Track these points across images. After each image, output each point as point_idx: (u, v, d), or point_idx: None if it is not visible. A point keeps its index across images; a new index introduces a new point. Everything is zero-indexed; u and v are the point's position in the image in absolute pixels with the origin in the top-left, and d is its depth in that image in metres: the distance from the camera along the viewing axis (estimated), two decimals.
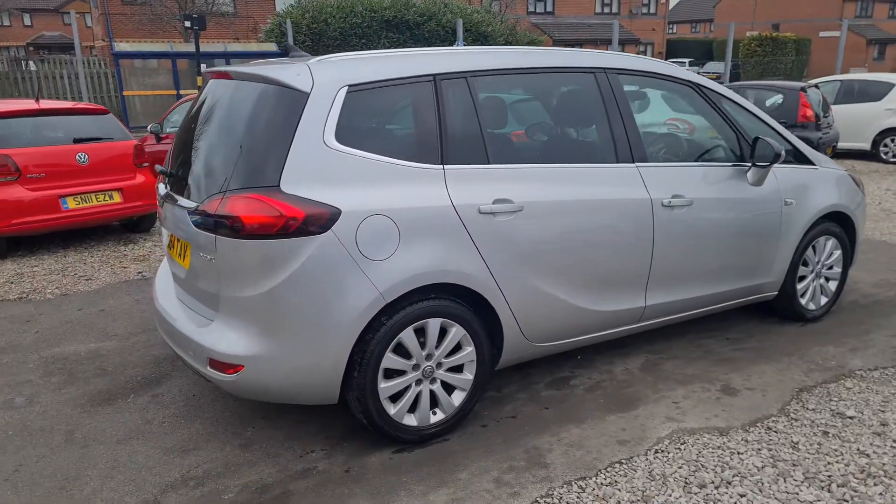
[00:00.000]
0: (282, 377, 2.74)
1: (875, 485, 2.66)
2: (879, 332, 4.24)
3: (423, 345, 2.92)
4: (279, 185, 2.63)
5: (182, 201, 2.99)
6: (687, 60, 42.14)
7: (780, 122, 8.08)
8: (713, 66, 41.02)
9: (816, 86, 11.70)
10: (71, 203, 6.40)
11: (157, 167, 3.55)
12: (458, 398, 3.08)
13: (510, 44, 21.47)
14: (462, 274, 2.94)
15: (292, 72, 2.77)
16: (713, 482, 2.70)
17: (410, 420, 2.98)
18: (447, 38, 20.05)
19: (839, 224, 4.41)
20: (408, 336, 2.87)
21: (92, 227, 6.95)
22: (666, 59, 40.34)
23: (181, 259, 3.11)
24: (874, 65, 48.41)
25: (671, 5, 51.00)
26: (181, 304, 3.19)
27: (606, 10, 49.18)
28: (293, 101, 2.70)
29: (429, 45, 19.12)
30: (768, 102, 10.63)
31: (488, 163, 3.06)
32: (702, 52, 49.70)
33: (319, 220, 2.63)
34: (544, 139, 3.40)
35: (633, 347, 4.02)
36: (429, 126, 2.95)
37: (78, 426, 3.26)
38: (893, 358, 3.86)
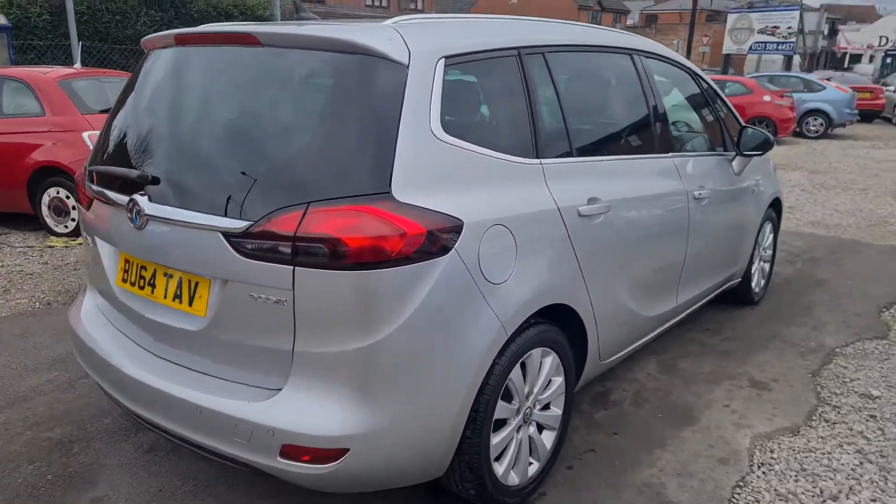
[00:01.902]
0: (394, 454, 1.99)
1: None
2: (817, 308, 4.56)
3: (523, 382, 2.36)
4: (391, 192, 1.88)
5: (185, 215, 2.03)
6: None
7: None
8: None
9: None
10: None
11: (95, 166, 2.45)
12: (548, 440, 2.57)
13: None
14: (566, 291, 2.44)
15: (379, 35, 2.00)
16: (840, 491, 2.55)
17: (513, 479, 2.39)
18: (217, 19, 18.33)
19: (773, 208, 4.65)
20: (516, 375, 2.29)
21: None
22: None
23: (176, 302, 2.15)
24: None
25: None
26: (166, 363, 2.21)
27: (377, 2, 49.48)
28: (390, 76, 1.95)
29: (197, 25, 17.29)
30: None
31: (573, 156, 2.57)
32: None
33: (443, 237, 1.94)
34: (612, 128, 3.01)
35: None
36: (520, 110, 2.37)
37: None
38: (851, 332, 4.14)
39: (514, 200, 2.22)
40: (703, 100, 3.73)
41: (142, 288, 2.28)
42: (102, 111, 6.49)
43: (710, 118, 3.78)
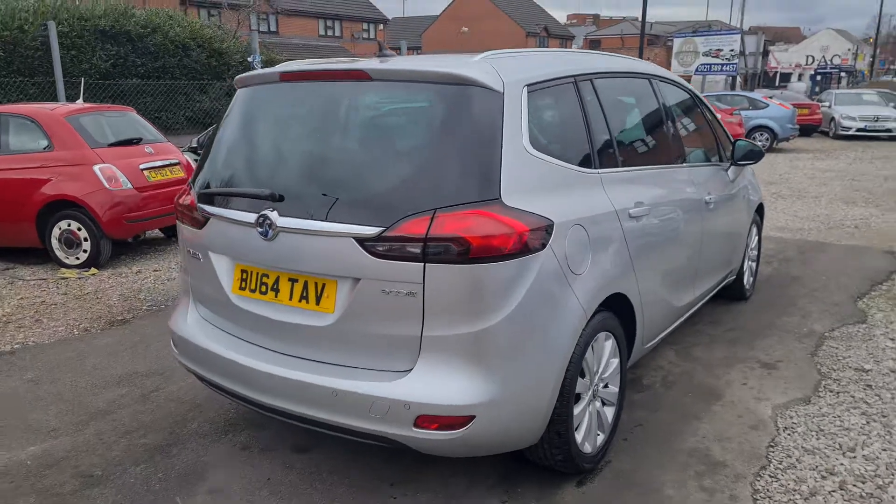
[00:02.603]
0: (508, 421, 2.35)
1: None
2: (800, 300, 5.09)
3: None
4: (500, 198, 2.26)
5: (317, 225, 2.36)
6: None
7: None
8: None
9: None
10: None
11: (206, 189, 2.75)
12: (609, 414, 2.95)
13: (245, 62, 20.61)
14: (623, 282, 2.84)
15: (478, 68, 2.39)
16: (855, 444, 3.00)
17: (587, 447, 2.76)
18: (175, 53, 18.49)
19: (758, 213, 5.18)
20: (589, 355, 2.68)
21: None
22: None
23: (303, 302, 2.47)
24: None
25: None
26: (292, 358, 2.52)
27: (330, 32, 50.01)
28: (491, 102, 2.34)
29: (155, 59, 17.47)
30: None
31: (619, 166, 3.00)
32: None
33: (541, 235, 2.33)
34: (643, 142, 3.44)
35: None
36: (579, 128, 2.80)
37: None
38: (834, 318, 4.67)
39: (584, 204, 2.62)
40: (701, 117, 4.23)
41: (264, 293, 2.59)
42: (111, 144, 6.70)
43: (707, 133, 4.29)
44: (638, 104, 3.51)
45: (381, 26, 55.47)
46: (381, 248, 2.26)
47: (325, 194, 2.43)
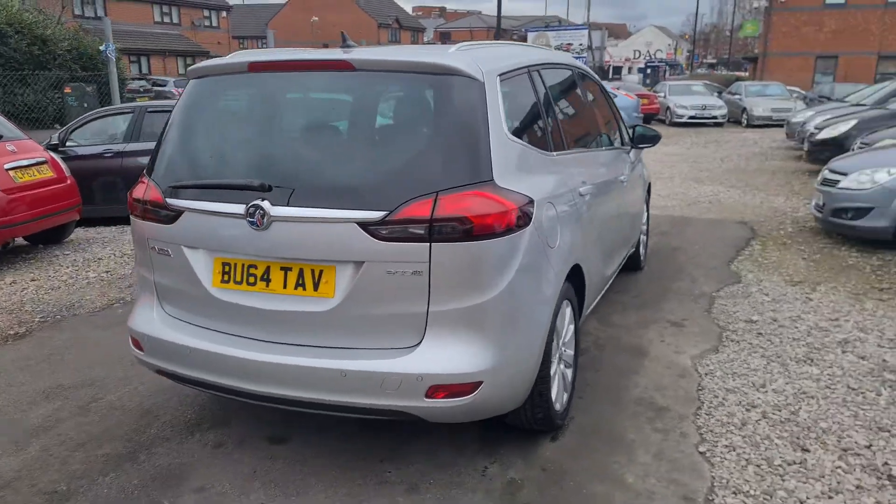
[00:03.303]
0: (508, 385, 2.55)
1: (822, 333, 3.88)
2: (685, 267, 5.75)
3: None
4: (493, 180, 2.44)
5: (316, 213, 2.40)
6: None
7: None
8: None
9: None
10: None
11: (178, 183, 2.67)
12: (569, 375, 3.24)
13: (75, 49, 19.02)
14: (580, 254, 3.14)
15: (460, 58, 2.54)
16: (764, 382, 3.53)
17: (557, 406, 3.03)
18: None
19: (647, 192, 5.77)
20: (559, 321, 2.94)
21: None
22: None
23: (300, 290, 2.51)
24: None
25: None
26: (288, 346, 2.55)
27: (167, 19, 46.92)
28: (475, 90, 2.51)
29: None
30: None
31: (566, 149, 3.28)
32: None
33: (527, 212, 2.54)
34: (579, 127, 3.72)
35: None
36: (537, 114, 3.04)
37: None
38: (717, 281, 5.34)
39: (549, 183, 2.87)
40: (607, 105, 4.66)
41: (252, 284, 2.58)
42: None
43: (612, 119, 4.73)
44: (570, 93, 3.82)
45: (223, 13, 52.99)
46: (385, 231, 2.36)
47: (322, 182, 2.48)
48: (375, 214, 2.36)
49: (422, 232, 2.34)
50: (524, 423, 2.90)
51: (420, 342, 2.43)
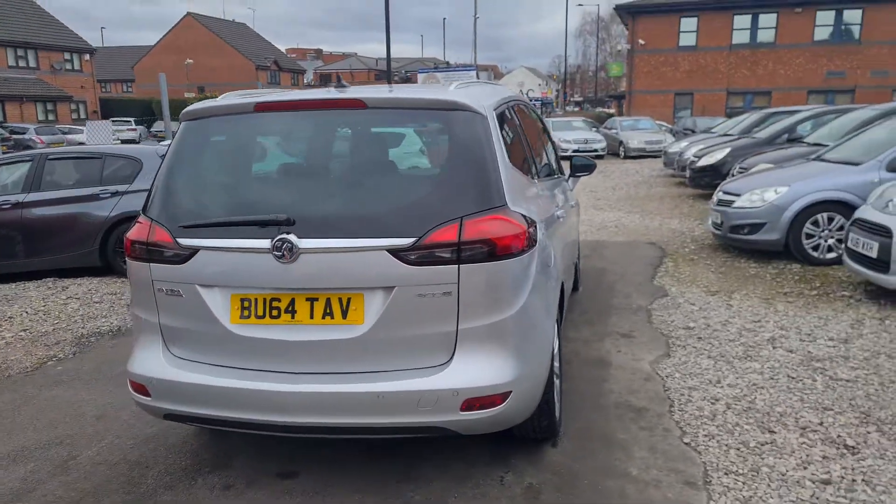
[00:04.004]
0: (529, 395, 2.73)
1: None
2: (616, 285, 6.22)
3: None
4: (507, 205, 2.66)
5: (346, 243, 2.51)
6: (132, 119, 41.12)
7: None
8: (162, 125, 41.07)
9: None
10: None
11: (191, 223, 2.67)
12: (557, 384, 3.46)
13: None
14: (563, 272, 3.41)
15: (463, 95, 2.76)
16: (718, 379, 3.95)
17: (556, 413, 3.24)
18: None
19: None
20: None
21: None
22: (104, 118, 38.62)
23: (327, 319, 2.59)
24: None
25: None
26: (316, 375, 2.61)
27: (22, 63, 43.85)
28: (481, 123, 2.73)
29: None
30: None
31: (542, 177, 3.58)
32: (141, 111, 49.27)
33: (532, 234, 2.78)
34: (544, 156, 3.99)
35: None
36: (521, 145, 3.31)
37: None
38: (647, 295, 5.82)
39: (540, 207, 3.14)
40: (548, 137, 5.05)
41: (275, 317, 2.62)
42: None
43: (552, 150, 5.12)
44: (531, 126, 4.14)
45: (86, 56, 50.25)
46: (414, 256, 2.51)
47: (343, 213, 2.59)
48: (405, 241, 2.50)
49: (450, 255, 2.50)
50: (530, 432, 3.09)
51: (451, 359, 2.58)
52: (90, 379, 4.37)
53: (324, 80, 68.70)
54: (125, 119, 40.44)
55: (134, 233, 2.84)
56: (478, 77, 25.90)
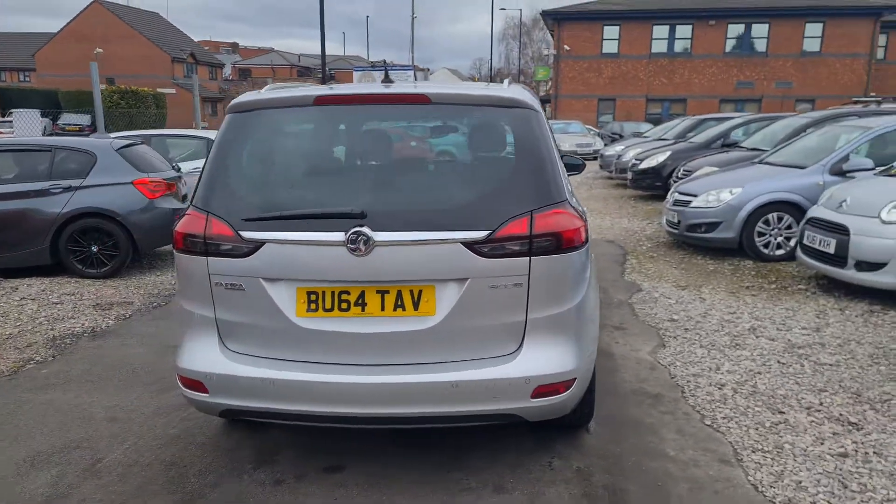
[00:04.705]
0: (585, 381, 2.85)
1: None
2: None
3: None
4: (567, 199, 2.78)
5: (421, 236, 2.55)
6: (38, 111, 38.47)
7: None
8: (73, 118, 38.67)
9: None
10: None
11: (255, 215, 2.64)
12: None
13: None
14: None
15: (518, 93, 2.85)
16: (712, 367, 4.22)
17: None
18: None
19: None
20: None
21: None
22: (5, 110, 36.01)
23: (399, 311, 2.63)
24: (211, 119, 55.07)
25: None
26: (388, 366, 2.64)
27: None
28: (538, 121, 2.83)
29: None
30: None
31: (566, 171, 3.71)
32: (43, 102, 46.12)
33: (587, 227, 2.91)
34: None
35: None
36: (554, 142, 3.43)
37: None
38: (624, 290, 6.09)
39: (577, 203, 3.27)
40: None
41: (345, 310, 2.63)
42: None
43: None
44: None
45: None
46: (487, 249, 2.58)
47: (415, 207, 2.63)
48: (479, 234, 2.57)
49: (521, 248, 2.60)
50: (574, 418, 3.22)
51: (519, 348, 2.67)
52: (84, 381, 4.16)
53: (243, 74, 66.64)
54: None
55: (186, 226, 2.77)
56: (415, 77, 25.99)
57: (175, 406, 3.74)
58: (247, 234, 2.65)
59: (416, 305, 2.62)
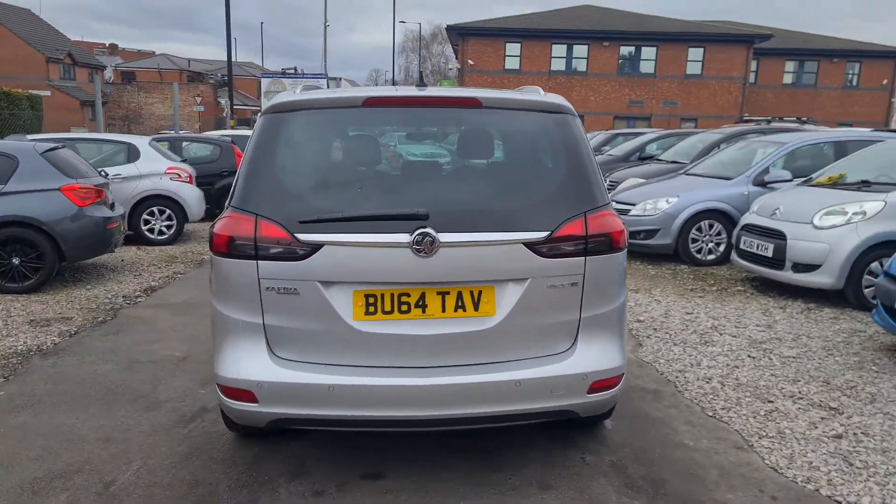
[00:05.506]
0: (625, 377, 2.96)
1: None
2: None
3: None
4: (609, 202, 2.89)
5: (485, 237, 2.58)
6: None
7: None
8: None
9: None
10: None
11: (312, 217, 2.56)
12: None
13: None
14: None
15: (558, 98, 2.93)
16: (694, 359, 4.49)
17: None
18: None
19: None
20: None
21: None
22: None
23: (460, 311, 2.64)
24: (90, 124, 51.49)
25: None
26: (448, 367, 2.64)
27: None
28: (577, 126, 2.93)
29: None
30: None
31: None
32: None
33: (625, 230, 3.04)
34: None
35: None
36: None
37: None
38: None
39: None
40: None
41: (405, 312, 2.61)
42: None
43: None
44: None
45: None
46: (546, 249, 2.65)
47: (476, 208, 2.66)
48: (539, 235, 2.63)
49: (576, 248, 2.68)
50: (605, 413, 3.32)
51: (573, 345, 2.75)
52: (57, 402, 3.81)
53: (126, 77, 62.79)
54: None
55: (229, 228, 2.63)
56: (328, 86, 25.64)
57: (171, 423, 3.52)
58: (304, 237, 2.56)
59: (476, 306, 2.64)
